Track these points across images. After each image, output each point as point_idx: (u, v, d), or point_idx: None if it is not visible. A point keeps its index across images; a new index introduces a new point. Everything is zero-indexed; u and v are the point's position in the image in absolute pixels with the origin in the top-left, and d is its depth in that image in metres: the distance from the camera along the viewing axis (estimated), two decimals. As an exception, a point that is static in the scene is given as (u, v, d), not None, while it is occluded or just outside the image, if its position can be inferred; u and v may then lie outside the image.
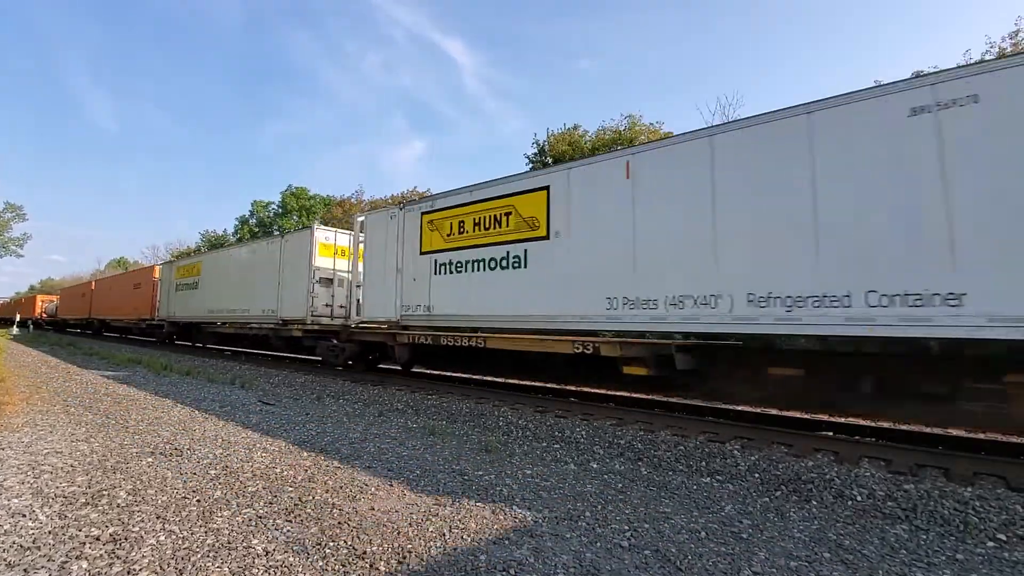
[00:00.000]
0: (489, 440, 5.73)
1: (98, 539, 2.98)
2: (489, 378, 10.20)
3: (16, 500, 3.53)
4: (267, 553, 2.88)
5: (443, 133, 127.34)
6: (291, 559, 2.83)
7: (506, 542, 3.15)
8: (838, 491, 4.19)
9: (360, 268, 11.13)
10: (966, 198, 4.36)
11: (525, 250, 7.76)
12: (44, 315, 41.96)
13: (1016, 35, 14.89)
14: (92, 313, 28.89)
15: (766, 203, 5.46)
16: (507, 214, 8.08)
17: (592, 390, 8.88)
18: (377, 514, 3.53)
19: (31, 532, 3.04)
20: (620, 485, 4.41)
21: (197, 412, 7.06)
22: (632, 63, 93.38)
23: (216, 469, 4.41)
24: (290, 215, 46.22)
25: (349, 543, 3.06)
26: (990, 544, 3.34)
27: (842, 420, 6.59)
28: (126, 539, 2.99)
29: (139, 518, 3.30)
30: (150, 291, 21.11)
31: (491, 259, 8.24)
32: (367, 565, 2.79)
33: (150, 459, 4.66)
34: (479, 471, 4.64)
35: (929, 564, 3.05)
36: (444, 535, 3.22)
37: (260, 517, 3.39)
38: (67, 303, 36.66)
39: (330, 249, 12.75)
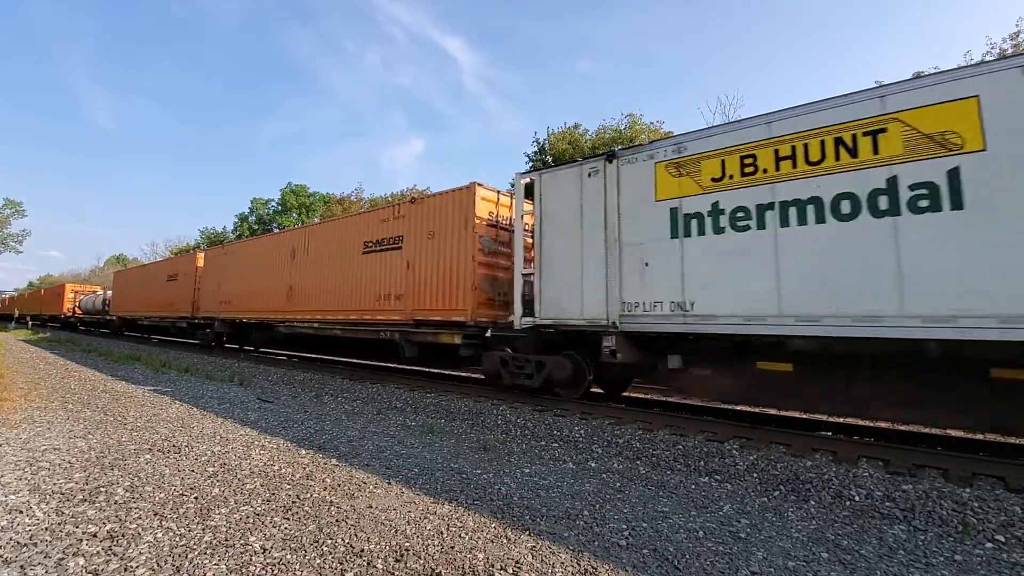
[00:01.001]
0: (487, 439, 5.73)
1: (95, 536, 2.97)
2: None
3: (14, 496, 3.52)
4: (264, 551, 2.88)
5: (442, 132, 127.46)
6: (288, 556, 2.82)
7: (504, 541, 3.14)
8: (836, 491, 4.19)
9: None
10: None
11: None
12: (78, 311, 32.14)
13: (1017, 36, 14.87)
14: (202, 308, 16.91)
15: None
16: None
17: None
18: (375, 512, 3.53)
19: (28, 528, 3.04)
20: (618, 484, 4.40)
21: (195, 409, 7.05)
22: (632, 62, 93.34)
23: (214, 466, 4.40)
24: (289, 212, 46.18)
25: (347, 541, 3.05)
26: (989, 545, 3.34)
27: (841, 420, 6.59)
28: (123, 536, 2.98)
29: (136, 515, 3.29)
30: (463, 249, 8.42)
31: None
32: (365, 563, 2.79)
33: (148, 456, 4.65)
34: (477, 470, 4.64)
35: (927, 565, 3.04)
36: (442, 533, 3.21)
37: (258, 514, 3.38)
38: (131, 293, 23.69)
39: None
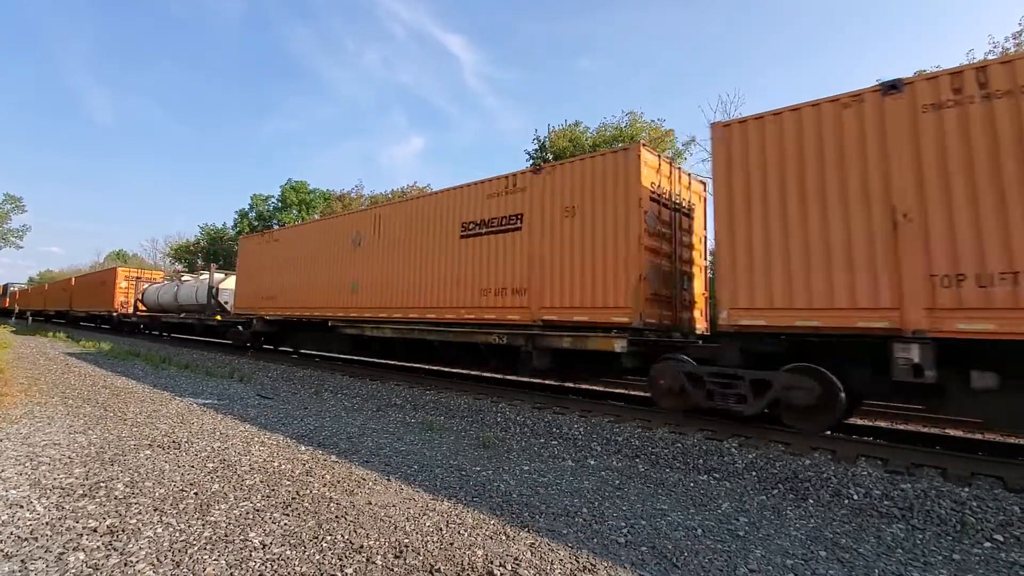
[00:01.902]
0: (487, 436, 5.73)
1: (95, 531, 2.98)
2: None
3: (14, 491, 3.53)
4: (264, 546, 2.88)
5: (443, 129, 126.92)
6: (288, 552, 2.83)
7: (503, 538, 3.15)
8: (835, 490, 4.19)
9: None
10: None
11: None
12: (141, 307, 22.28)
13: (1020, 35, 14.84)
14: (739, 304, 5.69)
15: None
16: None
17: (589, 387, 8.90)
18: (374, 508, 3.54)
19: (29, 523, 3.04)
20: (617, 482, 4.41)
21: (195, 405, 7.06)
22: (633, 61, 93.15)
23: (214, 462, 4.41)
24: (289, 209, 46.16)
25: (346, 537, 3.06)
26: (987, 545, 3.34)
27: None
28: (123, 531, 2.99)
29: (136, 510, 3.30)
30: None
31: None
32: (364, 559, 2.80)
33: (148, 452, 4.66)
34: (477, 467, 4.64)
35: (925, 564, 3.05)
36: (441, 530, 3.22)
37: (257, 510, 3.39)
38: (295, 275, 12.59)
39: None
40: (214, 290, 16.80)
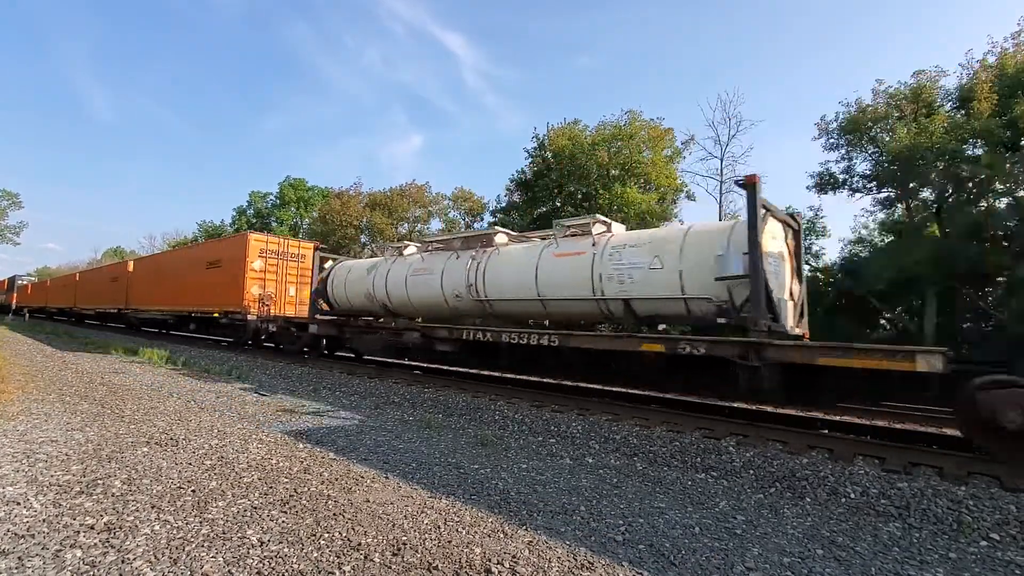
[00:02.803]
0: (485, 434, 5.74)
1: (92, 528, 2.98)
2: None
3: (11, 488, 3.52)
4: (262, 543, 2.88)
5: (442, 128, 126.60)
6: (285, 550, 2.82)
7: (501, 535, 3.15)
8: (832, 488, 4.21)
9: None
10: None
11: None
12: (324, 308, 11.58)
13: (1019, 35, 14.85)
14: None
15: None
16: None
17: (588, 385, 8.91)
18: (372, 506, 3.53)
19: (26, 520, 3.04)
20: (615, 480, 4.42)
21: (193, 403, 7.05)
22: (633, 60, 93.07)
23: (212, 460, 4.40)
24: (288, 206, 46.07)
25: (344, 534, 3.06)
26: (983, 543, 3.36)
27: (837, 418, 6.62)
28: (120, 528, 2.98)
29: (134, 507, 3.29)
30: None
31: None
32: (362, 556, 2.80)
33: (145, 449, 4.65)
34: (475, 464, 4.65)
35: (922, 562, 3.06)
36: (439, 527, 3.22)
37: (255, 508, 3.39)
38: None
39: None
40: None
